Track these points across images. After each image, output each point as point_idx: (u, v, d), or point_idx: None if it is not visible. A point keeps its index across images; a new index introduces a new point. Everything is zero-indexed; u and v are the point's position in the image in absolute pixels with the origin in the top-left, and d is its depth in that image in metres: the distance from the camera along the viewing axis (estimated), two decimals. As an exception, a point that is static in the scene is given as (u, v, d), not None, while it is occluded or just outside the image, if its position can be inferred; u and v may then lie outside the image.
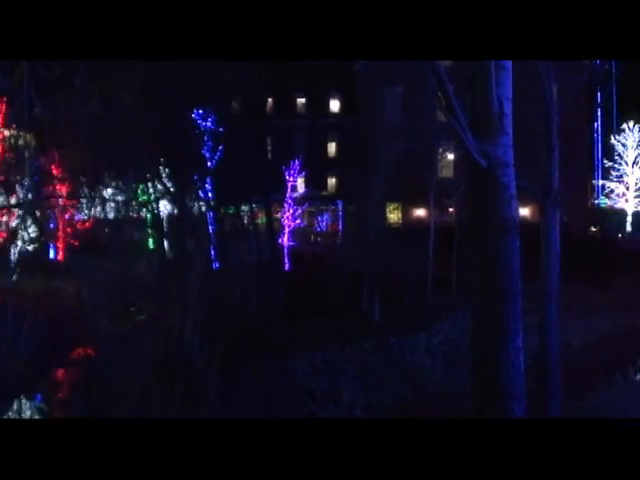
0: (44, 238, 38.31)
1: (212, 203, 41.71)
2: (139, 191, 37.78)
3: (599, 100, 24.59)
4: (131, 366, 18.24)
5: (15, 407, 18.10)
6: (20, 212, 32.68)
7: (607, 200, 60.03)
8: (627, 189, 59.02)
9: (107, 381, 18.62)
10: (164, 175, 37.70)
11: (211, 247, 39.22)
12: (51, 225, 40.63)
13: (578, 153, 21.71)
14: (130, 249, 35.64)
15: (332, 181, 66.24)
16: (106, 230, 38.54)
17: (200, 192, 40.62)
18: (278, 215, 48.84)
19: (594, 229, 56.57)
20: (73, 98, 34.60)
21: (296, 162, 48.88)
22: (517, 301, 7.65)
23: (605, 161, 59.85)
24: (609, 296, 31.78)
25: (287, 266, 44.69)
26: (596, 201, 62.84)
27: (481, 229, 7.76)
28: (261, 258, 37.53)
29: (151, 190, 37.00)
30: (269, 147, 54.02)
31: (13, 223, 33.28)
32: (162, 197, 38.26)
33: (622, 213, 58.70)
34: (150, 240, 42.23)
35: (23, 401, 18.50)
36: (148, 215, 38.97)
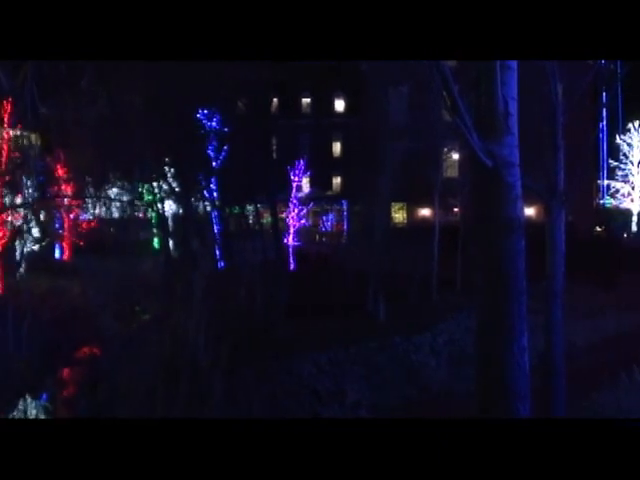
0: (49, 238, 38.43)
1: (217, 203, 41.75)
2: (144, 191, 37.82)
3: (604, 100, 24.46)
4: (136, 366, 18.28)
5: (21, 406, 18.15)
6: (25, 212, 32.79)
7: (612, 200, 59.84)
8: (632, 189, 58.82)
9: (112, 381, 18.67)
10: (169, 175, 37.76)
11: (216, 247, 39.28)
12: (56, 225, 40.74)
13: (583, 153, 21.65)
14: (135, 249, 35.72)
15: (337, 181, 66.17)
16: (111, 230, 38.67)
17: (205, 192, 40.69)
18: (283, 215, 48.80)
19: (599, 229, 56.40)
20: (79, 98, 34.71)
21: (301, 162, 48.86)
22: (522, 301, 7.65)
23: (610, 161, 59.64)
24: (614, 296, 31.67)
25: (292, 266, 44.66)
26: (601, 201, 62.65)
27: (486, 229, 7.76)
28: (266, 258, 37.53)
29: (156, 190, 37.03)
30: (274, 147, 53.94)
31: (18, 223, 33.38)
32: (167, 197, 38.32)
33: (627, 213, 58.51)
34: (155, 240, 42.31)
35: (28, 400, 18.55)
36: (153, 215, 39.02)
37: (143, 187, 37.82)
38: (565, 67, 15.13)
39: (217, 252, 39.30)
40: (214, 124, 41.59)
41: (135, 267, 32.40)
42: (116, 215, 39.89)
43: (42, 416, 18.36)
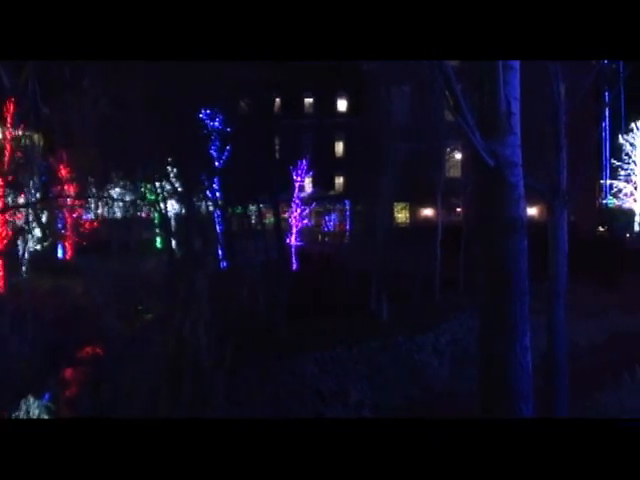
0: (52, 238, 38.49)
1: (220, 203, 41.79)
2: (147, 191, 37.86)
3: (607, 100, 24.42)
4: (139, 366, 18.26)
5: (23, 406, 18.13)
6: (27, 212, 32.82)
7: (615, 200, 59.84)
8: (635, 189, 58.83)
9: (115, 380, 18.65)
10: (172, 175, 37.78)
11: (219, 247, 39.29)
12: (59, 225, 40.80)
13: (586, 153, 21.61)
14: (138, 248, 35.75)
15: (340, 181, 66.20)
16: (114, 230, 38.68)
17: (208, 192, 40.69)
18: (285, 215, 48.80)
19: (602, 229, 56.43)
20: (81, 99, 34.77)
21: (304, 162, 48.83)
22: (525, 301, 7.66)
23: (613, 161, 59.66)
24: (617, 296, 31.67)
25: (295, 266, 44.66)
26: (604, 201, 62.66)
27: (489, 229, 7.77)
28: (268, 258, 37.50)
29: (159, 190, 37.05)
30: (277, 147, 53.92)
31: (21, 222, 33.41)
32: (170, 197, 38.35)
33: (630, 213, 58.52)
34: (158, 239, 42.34)
35: (31, 400, 18.54)
36: (156, 215, 39.06)
37: (146, 187, 37.86)
38: (568, 67, 15.13)
39: (220, 252, 39.34)
40: (217, 124, 41.64)
41: (138, 267, 32.43)
42: (119, 215, 39.96)
43: (45, 416, 18.35)
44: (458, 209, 48.46)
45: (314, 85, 63.55)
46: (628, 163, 58.41)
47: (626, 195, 58.81)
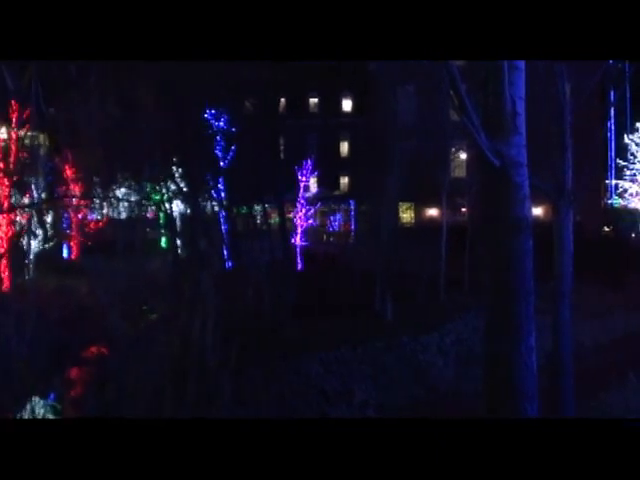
0: (57, 238, 38.54)
1: (225, 203, 41.75)
2: (152, 191, 37.86)
3: (612, 99, 24.40)
4: (144, 366, 18.29)
5: (28, 406, 18.16)
6: (33, 212, 32.88)
7: (620, 200, 59.66)
8: (640, 188, 58.70)
9: (120, 380, 18.68)
10: (177, 175, 37.77)
11: (224, 247, 39.26)
12: (64, 225, 40.86)
13: (591, 152, 21.59)
14: (143, 249, 35.75)
15: (345, 181, 66.19)
16: (119, 230, 38.68)
17: (213, 192, 40.67)
18: (291, 215, 48.80)
19: (607, 229, 56.32)
20: (87, 98, 34.76)
21: (309, 162, 48.85)
22: (530, 301, 7.65)
23: (618, 160, 59.45)
24: (622, 296, 31.61)
25: (300, 266, 44.64)
26: (609, 201, 62.50)
27: (494, 229, 7.76)
28: (274, 258, 37.51)
29: (164, 190, 37.06)
30: (282, 147, 53.92)
31: (26, 223, 33.46)
32: (175, 197, 38.33)
33: (635, 213, 58.31)
34: (163, 239, 42.35)
35: (36, 400, 18.56)
36: (161, 215, 39.06)
37: (151, 187, 37.86)
38: (573, 67, 15.13)
39: (225, 252, 39.30)
40: (222, 124, 41.64)
41: (143, 267, 32.42)
42: (124, 215, 39.98)
43: (50, 416, 18.37)
44: (463, 209, 48.47)
45: (319, 85, 63.58)
46: (634, 163, 58.19)
47: (632, 195, 58.60)
